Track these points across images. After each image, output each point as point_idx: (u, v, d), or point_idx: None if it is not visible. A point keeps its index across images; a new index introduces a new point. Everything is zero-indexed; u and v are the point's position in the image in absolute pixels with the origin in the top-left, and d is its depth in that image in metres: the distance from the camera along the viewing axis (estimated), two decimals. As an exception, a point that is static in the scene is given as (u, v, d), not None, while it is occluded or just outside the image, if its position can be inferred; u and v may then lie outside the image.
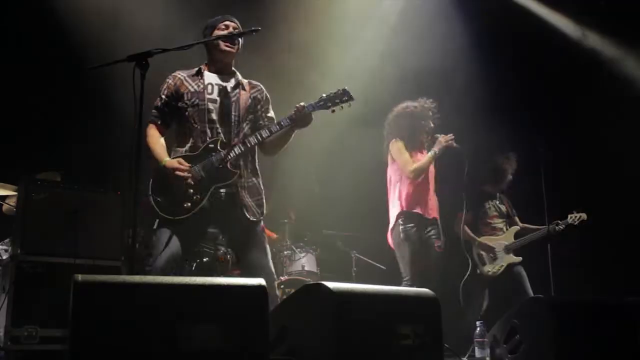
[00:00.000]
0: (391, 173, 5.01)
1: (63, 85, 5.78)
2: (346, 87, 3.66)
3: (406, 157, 4.88)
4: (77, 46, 5.73)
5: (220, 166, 3.50)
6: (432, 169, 4.99)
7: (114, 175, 5.05)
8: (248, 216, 3.57)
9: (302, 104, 3.56)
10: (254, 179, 3.67)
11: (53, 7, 5.76)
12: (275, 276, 3.64)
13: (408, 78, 6.25)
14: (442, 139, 4.84)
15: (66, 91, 5.82)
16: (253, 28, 3.45)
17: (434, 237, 4.86)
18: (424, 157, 4.88)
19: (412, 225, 4.78)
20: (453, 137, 4.85)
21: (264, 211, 3.67)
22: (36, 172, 5.03)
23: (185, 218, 3.45)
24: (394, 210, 4.89)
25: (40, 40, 5.79)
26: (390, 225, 4.91)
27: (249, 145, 3.56)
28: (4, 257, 4.47)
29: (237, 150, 3.53)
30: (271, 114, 3.81)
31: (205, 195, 3.47)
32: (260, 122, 3.74)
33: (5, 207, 5.08)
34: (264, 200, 3.68)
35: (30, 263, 4.14)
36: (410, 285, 4.61)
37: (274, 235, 6.53)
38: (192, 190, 3.46)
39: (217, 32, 3.69)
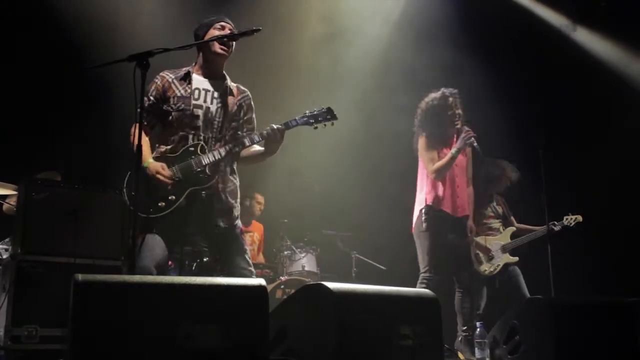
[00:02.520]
0: (419, 168, 4.97)
1: (63, 85, 5.78)
2: (330, 107, 3.62)
3: (429, 155, 4.82)
4: (77, 46, 5.74)
5: (199, 170, 3.46)
6: (463, 162, 4.91)
7: (114, 175, 5.05)
8: (227, 219, 3.56)
9: (274, 124, 3.54)
10: (235, 181, 3.65)
11: (53, 7, 5.76)
12: (255, 276, 3.59)
13: (408, 78, 6.26)
14: (465, 135, 4.73)
15: (66, 91, 5.82)
16: (254, 28, 3.35)
17: (457, 234, 4.81)
18: (447, 155, 4.78)
19: (434, 219, 4.73)
20: (474, 135, 4.73)
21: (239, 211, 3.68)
22: (36, 172, 5.03)
23: (160, 217, 3.39)
24: (419, 204, 4.86)
25: (41, 40, 5.79)
26: (414, 220, 4.87)
27: (232, 152, 3.52)
28: (4, 257, 4.47)
29: (216, 155, 3.48)
30: (252, 124, 3.75)
31: (180, 197, 3.42)
32: (239, 131, 3.67)
33: (5, 206, 5.08)
34: (239, 203, 3.68)
35: (30, 262, 4.12)
36: (428, 277, 4.63)
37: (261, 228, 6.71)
38: (168, 190, 3.42)
39: (212, 32, 3.61)
